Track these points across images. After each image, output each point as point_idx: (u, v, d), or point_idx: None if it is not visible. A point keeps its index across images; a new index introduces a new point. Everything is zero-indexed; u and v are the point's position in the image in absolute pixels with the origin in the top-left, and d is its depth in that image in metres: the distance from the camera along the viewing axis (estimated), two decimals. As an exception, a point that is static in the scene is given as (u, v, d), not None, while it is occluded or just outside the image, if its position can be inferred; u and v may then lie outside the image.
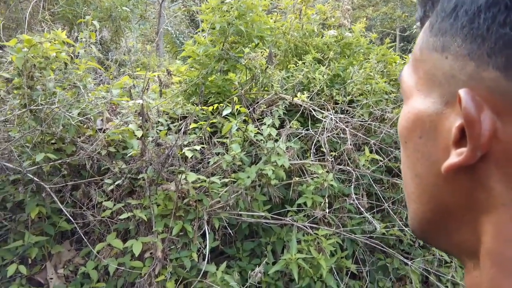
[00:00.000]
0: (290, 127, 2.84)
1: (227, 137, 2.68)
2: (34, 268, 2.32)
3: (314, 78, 3.29)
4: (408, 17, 13.09)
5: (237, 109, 2.74)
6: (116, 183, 2.40)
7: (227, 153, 2.59)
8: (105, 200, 2.38)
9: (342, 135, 2.86)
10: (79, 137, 2.65)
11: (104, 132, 2.65)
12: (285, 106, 2.94)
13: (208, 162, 2.63)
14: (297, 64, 3.43)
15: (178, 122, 2.89)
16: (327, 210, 2.54)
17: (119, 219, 2.31)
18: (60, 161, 2.39)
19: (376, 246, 2.58)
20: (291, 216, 2.60)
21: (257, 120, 2.91)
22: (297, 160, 2.77)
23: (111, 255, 2.29)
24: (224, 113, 2.69)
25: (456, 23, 0.31)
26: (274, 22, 3.79)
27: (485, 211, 0.31)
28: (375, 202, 2.77)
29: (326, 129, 2.81)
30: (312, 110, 3.03)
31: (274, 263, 2.45)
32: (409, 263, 2.55)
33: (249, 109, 2.87)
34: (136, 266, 2.21)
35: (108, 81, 3.65)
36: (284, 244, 2.58)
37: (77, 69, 2.73)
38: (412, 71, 0.38)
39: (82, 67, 2.73)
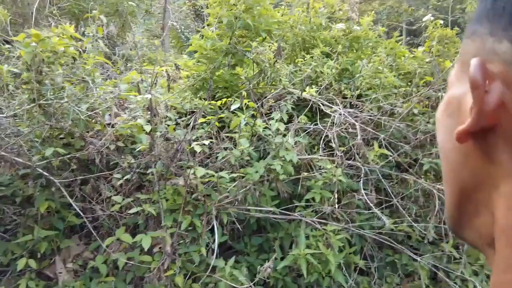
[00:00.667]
0: (299, 121, 2.83)
1: (235, 132, 2.67)
2: (43, 262, 2.33)
3: (322, 72, 3.26)
4: (415, 11, 12.96)
5: (245, 103, 2.73)
6: (125, 177, 2.40)
7: (235, 148, 2.58)
8: (114, 195, 2.38)
9: (350, 130, 2.84)
10: (88, 132, 2.65)
11: (112, 127, 2.65)
12: (293, 101, 2.92)
13: (217, 157, 2.62)
14: (305, 58, 3.40)
15: (185, 117, 2.88)
16: (336, 205, 2.52)
17: (128, 213, 2.31)
18: (69, 156, 2.39)
19: (384, 242, 2.57)
20: (299, 211, 2.59)
21: (265, 114, 2.90)
22: (305, 155, 2.75)
23: (120, 250, 2.29)
24: (233, 107, 2.67)
25: (484, 7, 0.34)
26: (282, 15, 3.76)
27: (496, 186, 0.32)
28: (384, 197, 2.75)
29: (335, 123, 2.79)
30: (321, 105, 3.01)
31: (282, 259, 2.44)
32: (418, 259, 2.54)
33: (257, 103, 2.85)
34: (145, 261, 2.21)
35: (115, 76, 3.64)
36: (292, 240, 2.58)
37: (85, 64, 2.73)
38: (455, 64, 0.40)
39: (90, 61, 2.73)
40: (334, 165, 2.63)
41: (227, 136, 2.79)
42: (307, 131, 2.93)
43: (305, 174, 2.69)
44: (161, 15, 8.57)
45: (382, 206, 2.73)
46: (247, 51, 3.24)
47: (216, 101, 2.94)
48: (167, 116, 2.78)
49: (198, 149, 2.42)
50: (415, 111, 3.05)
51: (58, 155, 2.34)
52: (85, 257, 2.39)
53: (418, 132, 2.91)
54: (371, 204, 2.54)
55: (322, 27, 3.83)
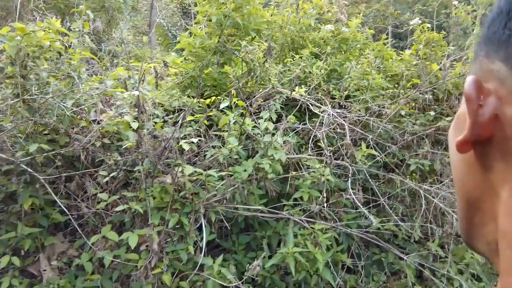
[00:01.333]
0: (287, 121, 2.83)
1: (224, 130, 2.66)
2: (27, 259, 2.28)
3: (311, 73, 3.28)
4: (401, 15, 13.15)
5: (234, 102, 2.72)
6: (111, 175, 2.37)
7: (224, 147, 2.56)
8: (100, 192, 2.34)
9: (339, 130, 2.86)
10: (73, 128, 2.60)
11: (98, 123, 2.60)
12: (282, 100, 2.92)
13: (205, 155, 2.61)
14: (294, 58, 3.41)
15: (173, 114, 2.86)
16: (324, 205, 2.54)
17: (115, 211, 2.27)
18: (53, 152, 2.34)
19: (371, 240, 2.59)
20: (287, 210, 2.60)
21: (254, 113, 2.89)
22: (294, 154, 2.76)
23: (106, 248, 2.26)
24: (222, 106, 2.66)
25: (483, 33, 0.38)
26: (271, 15, 3.76)
27: (497, 194, 0.34)
28: (371, 197, 2.78)
29: (324, 123, 2.80)
30: (310, 105, 3.02)
31: (270, 257, 2.44)
32: (404, 257, 2.57)
33: (246, 102, 2.85)
34: (131, 259, 2.18)
35: (101, 72, 3.59)
36: (280, 238, 2.58)
37: (70, 59, 2.68)
38: None
39: (76, 57, 2.68)
40: (323, 164, 2.65)
41: (216, 135, 2.78)
42: (295, 131, 2.94)
43: (294, 173, 2.70)
44: (148, 12, 8.49)
45: (369, 206, 2.75)
46: (236, 50, 3.24)
47: (205, 99, 2.93)
48: (154, 113, 2.74)
49: (186, 147, 2.40)
50: (402, 112, 3.09)
51: (42, 151, 2.28)
52: (70, 255, 2.34)
53: (405, 133, 2.95)
54: (359, 204, 2.56)
55: (311, 28, 3.84)
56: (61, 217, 2.31)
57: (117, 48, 4.49)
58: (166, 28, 8.50)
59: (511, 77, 0.32)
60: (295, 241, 2.40)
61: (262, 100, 3.03)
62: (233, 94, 2.79)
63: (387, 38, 3.92)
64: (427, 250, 2.78)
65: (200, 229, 2.35)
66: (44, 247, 2.31)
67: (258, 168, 2.56)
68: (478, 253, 0.41)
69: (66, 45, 2.72)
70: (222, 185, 2.47)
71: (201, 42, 3.21)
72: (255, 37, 3.45)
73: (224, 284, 2.17)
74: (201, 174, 2.42)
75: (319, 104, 3.03)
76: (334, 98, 3.22)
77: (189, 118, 2.68)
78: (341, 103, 3.15)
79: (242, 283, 2.17)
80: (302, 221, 2.50)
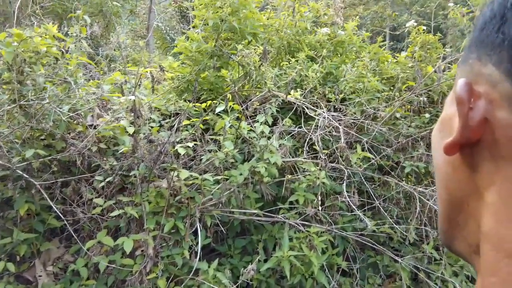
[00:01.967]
0: (283, 124, 2.84)
1: (220, 134, 2.67)
2: (22, 265, 2.29)
3: (307, 76, 3.29)
4: (398, 16, 13.17)
5: (230, 106, 2.73)
6: (107, 180, 2.38)
7: (219, 150, 2.57)
8: (95, 197, 2.35)
9: (334, 133, 2.87)
10: (69, 133, 2.62)
11: (94, 128, 2.61)
12: (278, 104, 2.93)
13: (201, 159, 2.61)
14: (290, 62, 3.42)
15: (170, 118, 2.87)
16: (319, 208, 2.54)
17: (110, 216, 2.28)
18: (50, 158, 2.35)
19: (366, 243, 2.60)
20: (283, 213, 2.61)
21: (250, 117, 2.90)
22: (289, 157, 2.77)
23: (101, 253, 2.26)
24: (218, 110, 2.67)
25: (474, 35, 0.38)
26: (267, 19, 3.78)
27: (481, 196, 0.34)
28: (366, 199, 2.79)
29: (319, 127, 2.81)
30: (305, 108, 3.03)
31: (265, 261, 2.45)
32: (399, 260, 2.58)
33: (242, 106, 2.86)
34: (127, 264, 2.19)
35: (99, 77, 3.60)
36: (276, 242, 2.59)
37: (67, 64, 2.69)
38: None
39: (73, 62, 2.69)
40: (318, 167, 2.66)
41: (212, 139, 2.79)
42: (291, 134, 2.95)
43: (289, 176, 2.71)
44: (146, 16, 8.51)
45: (365, 208, 2.76)
46: (232, 54, 3.25)
47: (201, 103, 2.94)
48: (150, 117, 2.76)
49: (182, 151, 2.40)
50: (398, 115, 3.10)
51: (38, 156, 2.30)
52: (66, 260, 2.35)
53: (400, 136, 2.96)
54: (354, 206, 2.57)
55: (307, 31, 3.86)
56: (57, 222, 2.31)
57: (115, 52, 4.51)
58: (165, 31, 8.52)
59: (503, 81, 0.32)
60: (291, 244, 2.41)
61: (258, 104, 3.04)
62: (229, 98, 2.81)
63: (384, 40, 3.93)
64: (422, 253, 2.78)
65: (195, 233, 2.36)
66: (39, 253, 2.32)
67: (254, 172, 2.57)
68: (456, 254, 0.42)
69: (63, 50, 2.73)
70: (217, 189, 2.48)
71: (198, 46, 3.23)
72: (251, 40, 3.47)
73: (219, 288, 2.18)
74: (197, 178, 2.42)
75: (314, 108, 3.04)
76: (330, 101, 3.23)
77: (185, 122, 2.69)
78: (336, 106, 3.16)
79: (237, 287, 2.18)
80: (298, 225, 2.51)
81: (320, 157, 2.71)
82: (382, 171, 3.00)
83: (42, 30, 2.65)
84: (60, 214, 2.15)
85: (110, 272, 2.25)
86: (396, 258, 2.58)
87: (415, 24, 3.63)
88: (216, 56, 3.29)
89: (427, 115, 3.08)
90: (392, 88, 3.40)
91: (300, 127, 2.95)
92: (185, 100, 3.20)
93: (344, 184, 2.63)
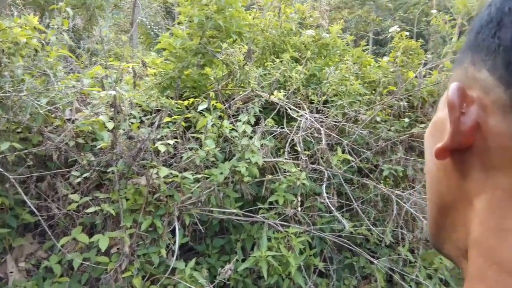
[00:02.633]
0: (265, 124, 2.84)
1: (201, 132, 2.65)
2: (-7, 261, 2.22)
3: (290, 77, 3.30)
4: (382, 21, 13.37)
5: (213, 104, 2.71)
6: (84, 175, 2.33)
7: (201, 149, 2.56)
8: (71, 193, 2.30)
9: (315, 135, 2.89)
10: (46, 127, 2.55)
11: (73, 122, 2.56)
12: (261, 104, 2.94)
13: (181, 157, 2.59)
14: (274, 62, 3.43)
15: (151, 115, 2.83)
16: (298, 208, 2.56)
17: (86, 212, 2.24)
18: (25, 151, 2.29)
19: (343, 244, 2.63)
20: (262, 213, 2.61)
21: (233, 116, 2.90)
22: (270, 157, 2.78)
23: (76, 250, 2.22)
24: (200, 108, 2.65)
25: (469, 39, 0.37)
26: (253, 18, 3.78)
27: (470, 202, 0.34)
28: (345, 201, 2.81)
29: (301, 128, 2.83)
30: (288, 109, 3.04)
31: (243, 260, 2.45)
32: (375, 262, 2.61)
33: (224, 105, 2.85)
34: (101, 262, 2.15)
35: (79, 70, 3.53)
36: (254, 242, 2.59)
37: (47, 56, 2.63)
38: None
39: (53, 54, 2.63)
40: (299, 168, 2.67)
41: (193, 137, 2.77)
42: (273, 134, 2.95)
43: (270, 176, 2.71)
44: (131, 10, 8.39)
45: (343, 210, 2.79)
46: (217, 52, 3.23)
47: (183, 100, 2.91)
48: (131, 113, 2.72)
49: (162, 148, 2.38)
50: (378, 118, 3.15)
51: (14, 150, 2.23)
52: (39, 257, 2.30)
53: (380, 139, 3.00)
54: (333, 208, 2.59)
55: (292, 32, 3.88)
56: (31, 217, 2.26)
57: (97, 46, 4.42)
58: (149, 27, 8.41)
59: (497, 88, 0.32)
60: (269, 244, 2.42)
61: (241, 103, 3.03)
62: (212, 96, 2.79)
63: (367, 44, 3.98)
64: (397, 255, 2.83)
65: (173, 232, 2.33)
66: (12, 248, 2.26)
67: (234, 171, 2.57)
68: (446, 257, 0.42)
69: (44, 42, 2.67)
70: (197, 187, 2.47)
71: (182, 43, 3.20)
72: (236, 39, 3.46)
73: None
74: (177, 176, 2.40)
75: (297, 109, 3.06)
76: (312, 103, 3.25)
77: (166, 119, 2.66)
78: (318, 108, 3.18)
79: (214, 287, 2.17)
80: (277, 225, 2.51)
81: (301, 158, 2.72)
82: (361, 173, 3.03)
83: (22, 20, 2.58)
84: (35, 209, 2.10)
85: (85, 269, 2.21)
86: (372, 259, 2.62)
87: (398, 29, 3.69)
88: (200, 54, 3.27)
89: (406, 120, 3.13)
90: (373, 92, 3.44)
91: (282, 128, 2.96)
92: (167, 97, 3.17)
93: (324, 185, 2.65)
